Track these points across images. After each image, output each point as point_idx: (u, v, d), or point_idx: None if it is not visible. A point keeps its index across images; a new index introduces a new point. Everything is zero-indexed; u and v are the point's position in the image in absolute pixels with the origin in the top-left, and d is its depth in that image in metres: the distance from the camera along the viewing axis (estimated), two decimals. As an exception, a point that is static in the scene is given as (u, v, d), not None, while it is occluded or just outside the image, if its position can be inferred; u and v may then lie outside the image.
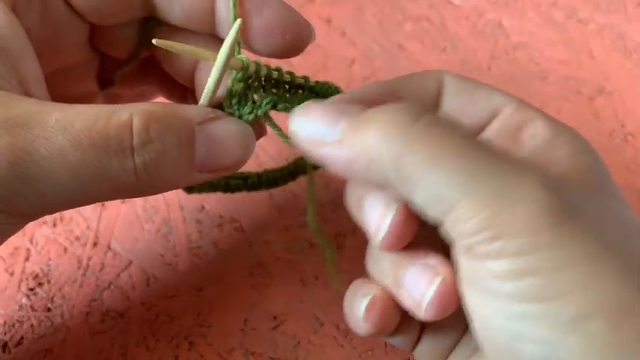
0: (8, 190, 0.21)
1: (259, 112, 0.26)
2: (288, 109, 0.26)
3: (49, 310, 0.33)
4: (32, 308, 0.33)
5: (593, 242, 0.19)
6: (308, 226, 0.35)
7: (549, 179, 0.20)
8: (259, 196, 0.36)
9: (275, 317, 0.32)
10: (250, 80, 0.26)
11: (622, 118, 0.39)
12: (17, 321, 0.32)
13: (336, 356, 0.31)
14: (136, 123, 0.22)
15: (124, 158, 0.22)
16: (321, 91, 0.27)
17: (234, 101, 0.26)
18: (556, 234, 0.19)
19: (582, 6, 0.45)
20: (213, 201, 0.36)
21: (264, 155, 0.38)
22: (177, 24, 0.27)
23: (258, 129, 0.28)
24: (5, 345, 0.32)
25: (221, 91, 0.26)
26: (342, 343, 0.31)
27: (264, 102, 0.26)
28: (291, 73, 0.27)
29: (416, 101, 0.25)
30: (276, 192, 0.36)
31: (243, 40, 0.26)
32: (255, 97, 0.26)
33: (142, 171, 0.23)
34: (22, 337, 0.32)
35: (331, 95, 0.28)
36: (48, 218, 0.36)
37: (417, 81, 0.26)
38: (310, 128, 0.22)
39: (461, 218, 0.20)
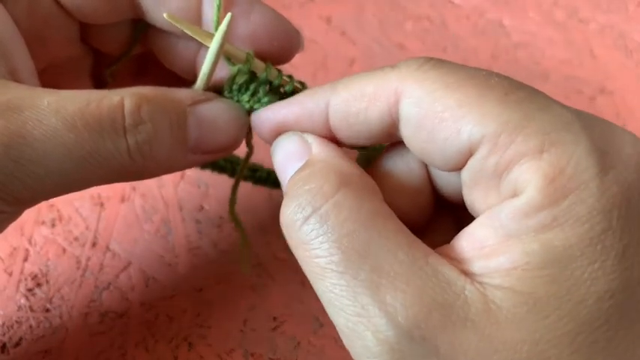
0: (3, 174, 0.21)
1: (256, 105, 0.26)
2: None
3: (47, 310, 0.33)
4: (31, 309, 0.33)
5: None
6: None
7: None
8: (259, 197, 0.36)
9: (275, 318, 0.32)
10: (258, 78, 0.26)
11: (623, 118, 0.39)
12: (16, 322, 0.32)
13: (335, 357, 0.31)
14: (128, 104, 0.23)
15: (117, 139, 0.22)
16: None
17: (234, 87, 0.26)
18: None
19: (583, 5, 0.45)
20: (213, 201, 0.36)
21: (264, 155, 0.38)
22: (164, 27, 0.27)
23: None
24: (4, 346, 0.31)
25: (220, 77, 0.26)
26: (341, 345, 0.31)
27: (266, 98, 0.26)
28: (302, 85, 0.27)
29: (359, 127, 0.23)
30: (276, 192, 0.36)
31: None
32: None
33: (135, 151, 0.23)
34: (20, 338, 0.32)
35: None
36: (47, 218, 0.36)
37: (364, 104, 0.23)
38: (277, 165, 0.25)
39: None
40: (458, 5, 0.45)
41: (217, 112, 0.25)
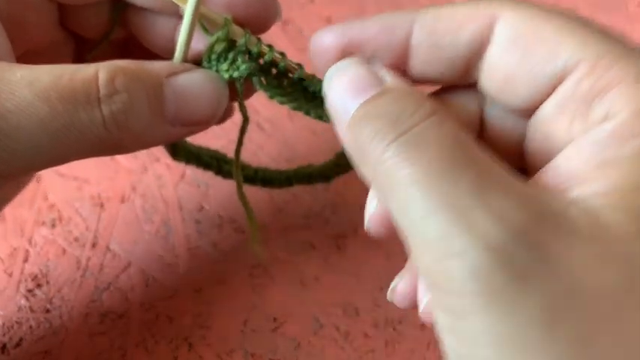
0: None
1: (235, 74, 0.25)
2: (264, 89, 0.26)
3: (47, 311, 0.33)
4: (31, 309, 0.33)
5: None
6: (309, 228, 0.35)
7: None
8: (259, 197, 0.36)
9: (275, 319, 0.32)
10: (237, 46, 0.25)
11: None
12: (16, 322, 0.32)
13: (336, 358, 0.31)
14: (102, 76, 0.22)
15: (92, 109, 0.22)
16: (310, 84, 0.27)
17: (213, 57, 0.25)
18: None
19: (584, 5, 0.45)
20: (213, 201, 0.36)
21: (265, 156, 0.38)
22: (143, 5, 0.27)
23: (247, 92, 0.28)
24: (4, 346, 0.32)
25: (198, 50, 0.26)
26: (342, 345, 0.31)
27: (244, 66, 0.25)
28: (283, 55, 0.26)
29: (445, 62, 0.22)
30: (277, 193, 0.36)
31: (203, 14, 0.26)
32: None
33: (110, 122, 0.23)
34: (20, 339, 0.32)
35: (319, 95, 0.27)
36: (47, 219, 0.36)
37: (456, 24, 0.21)
38: (336, 94, 0.22)
39: None
40: (458, 6, 0.45)
41: (195, 82, 0.25)
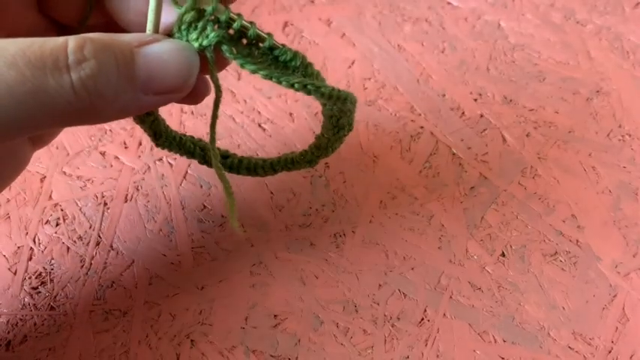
0: None
1: (204, 42, 0.26)
2: (234, 57, 0.26)
3: (52, 308, 0.33)
4: (35, 307, 0.33)
5: None
6: (308, 226, 0.35)
7: None
8: (260, 196, 0.37)
9: (275, 316, 0.33)
10: (206, 16, 0.26)
11: (619, 119, 0.39)
12: (20, 320, 0.33)
13: (335, 354, 0.31)
14: (71, 44, 0.23)
15: (60, 75, 0.22)
16: (280, 54, 0.27)
17: (183, 27, 0.26)
18: None
19: (580, 7, 0.45)
20: (215, 201, 0.36)
21: (265, 156, 0.38)
22: None
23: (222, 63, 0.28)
24: (9, 343, 0.32)
25: (170, 23, 0.26)
26: (341, 342, 0.32)
27: (213, 34, 0.26)
28: (252, 24, 0.26)
29: None
30: (277, 192, 0.37)
31: None
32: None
33: (79, 87, 0.23)
34: (25, 336, 0.32)
35: (292, 65, 0.27)
36: (51, 218, 0.36)
37: None
38: None
39: None
40: (456, 7, 0.46)
41: (165, 50, 0.25)
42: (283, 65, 0.27)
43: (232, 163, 0.32)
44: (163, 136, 0.31)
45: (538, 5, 0.45)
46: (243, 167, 0.33)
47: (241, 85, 0.42)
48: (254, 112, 0.40)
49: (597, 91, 0.41)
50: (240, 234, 0.35)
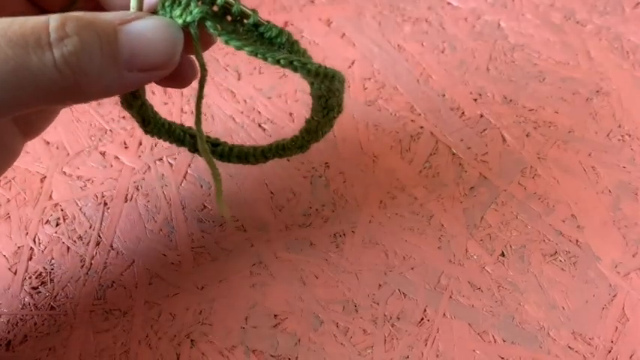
0: None
1: (188, 18, 0.25)
2: (219, 33, 0.26)
3: (52, 308, 0.33)
4: (35, 307, 0.33)
5: None
6: (308, 226, 0.35)
7: None
8: (260, 196, 0.37)
9: (275, 315, 0.33)
10: None
11: (619, 119, 0.39)
12: (20, 319, 0.33)
13: (335, 354, 0.31)
14: (53, 23, 0.23)
15: (43, 52, 0.22)
16: (265, 30, 0.27)
17: (167, 4, 0.26)
18: None
19: (580, 7, 0.45)
20: (215, 201, 0.36)
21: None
22: None
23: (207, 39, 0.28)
24: (9, 343, 0.32)
25: (153, 1, 0.26)
26: (341, 341, 0.32)
27: (196, 10, 0.25)
28: (236, 0, 0.26)
29: None
30: (277, 192, 0.37)
31: None
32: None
33: (62, 63, 0.23)
34: (25, 336, 0.32)
35: (278, 42, 0.27)
36: (51, 218, 0.36)
37: None
38: None
39: None
40: (456, 7, 0.46)
41: (149, 27, 0.25)
42: (269, 42, 0.27)
43: (223, 151, 0.32)
44: (152, 123, 0.30)
45: (538, 5, 0.45)
46: (234, 155, 0.32)
47: (241, 85, 0.42)
48: (254, 112, 0.40)
49: (597, 91, 0.41)
50: (228, 219, 0.34)
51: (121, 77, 0.25)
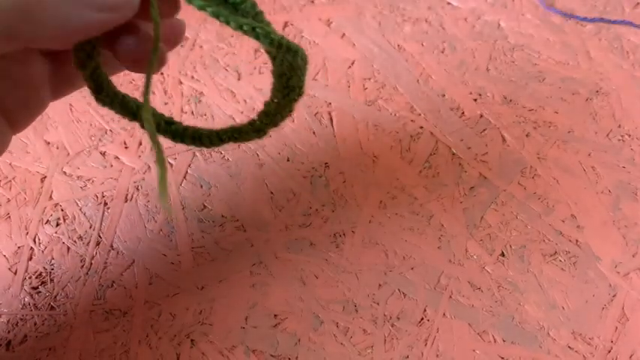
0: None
1: None
2: None
3: (52, 308, 0.33)
4: (35, 307, 0.33)
5: None
6: (308, 226, 0.35)
7: None
8: (260, 196, 0.37)
9: (275, 315, 0.33)
10: None
11: (619, 119, 0.39)
12: (20, 319, 0.33)
13: (335, 354, 0.31)
14: None
15: None
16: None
17: None
18: None
19: (580, 7, 0.45)
20: (215, 200, 0.36)
21: (265, 156, 0.38)
22: None
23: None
24: (9, 343, 0.32)
25: None
26: (341, 341, 0.32)
27: None
28: None
29: None
30: (277, 192, 0.37)
31: None
32: None
33: None
34: (25, 336, 0.32)
35: (242, 8, 0.26)
36: (51, 218, 0.36)
37: None
38: None
39: None
40: (456, 7, 0.46)
41: None
42: (233, 7, 0.26)
43: (177, 130, 0.30)
44: (105, 91, 0.29)
45: (538, 5, 0.45)
46: (188, 135, 0.30)
47: (241, 85, 0.42)
48: (254, 112, 0.40)
49: (597, 91, 0.41)
50: (168, 211, 0.32)
51: (79, 15, 0.24)
